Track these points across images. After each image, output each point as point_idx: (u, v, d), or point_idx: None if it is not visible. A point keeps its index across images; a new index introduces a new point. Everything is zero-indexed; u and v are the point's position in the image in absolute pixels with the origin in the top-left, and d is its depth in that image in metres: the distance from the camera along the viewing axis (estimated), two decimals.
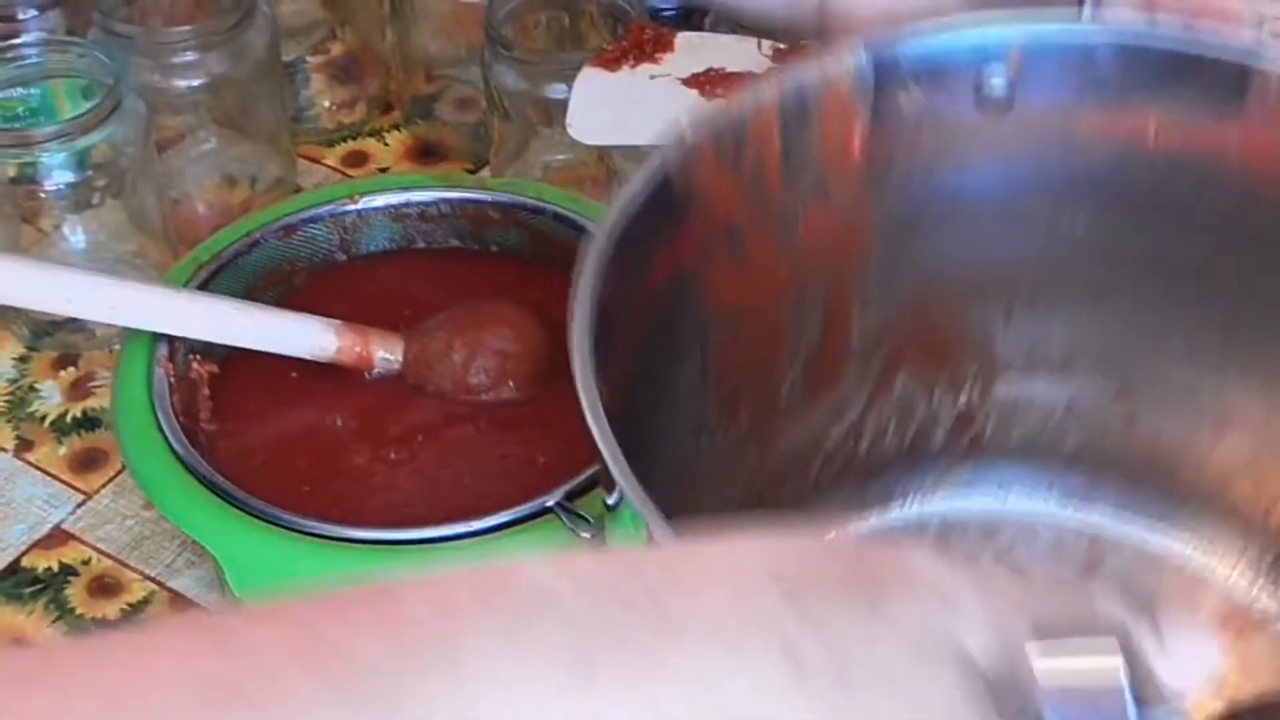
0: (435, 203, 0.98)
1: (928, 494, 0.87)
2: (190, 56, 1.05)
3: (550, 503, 0.79)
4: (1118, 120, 0.75)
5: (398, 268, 0.98)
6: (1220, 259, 0.77)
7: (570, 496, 0.79)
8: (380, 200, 0.98)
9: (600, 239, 0.67)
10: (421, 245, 0.98)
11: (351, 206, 0.97)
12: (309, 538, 0.79)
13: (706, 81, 0.97)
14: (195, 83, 1.07)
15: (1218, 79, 0.72)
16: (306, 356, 0.89)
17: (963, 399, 0.85)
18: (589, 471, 0.79)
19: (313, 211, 0.97)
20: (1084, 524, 0.85)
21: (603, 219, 0.68)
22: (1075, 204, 0.77)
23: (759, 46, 0.99)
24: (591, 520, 0.77)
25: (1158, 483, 0.84)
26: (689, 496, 0.60)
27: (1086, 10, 0.77)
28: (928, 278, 0.80)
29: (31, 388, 1.01)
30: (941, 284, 0.80)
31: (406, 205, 0.98)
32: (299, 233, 0.96)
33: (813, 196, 0.76)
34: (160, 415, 0.85)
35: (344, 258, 0.98)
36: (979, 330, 0.82)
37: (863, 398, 0.83)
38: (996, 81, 0.74)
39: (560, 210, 0.96)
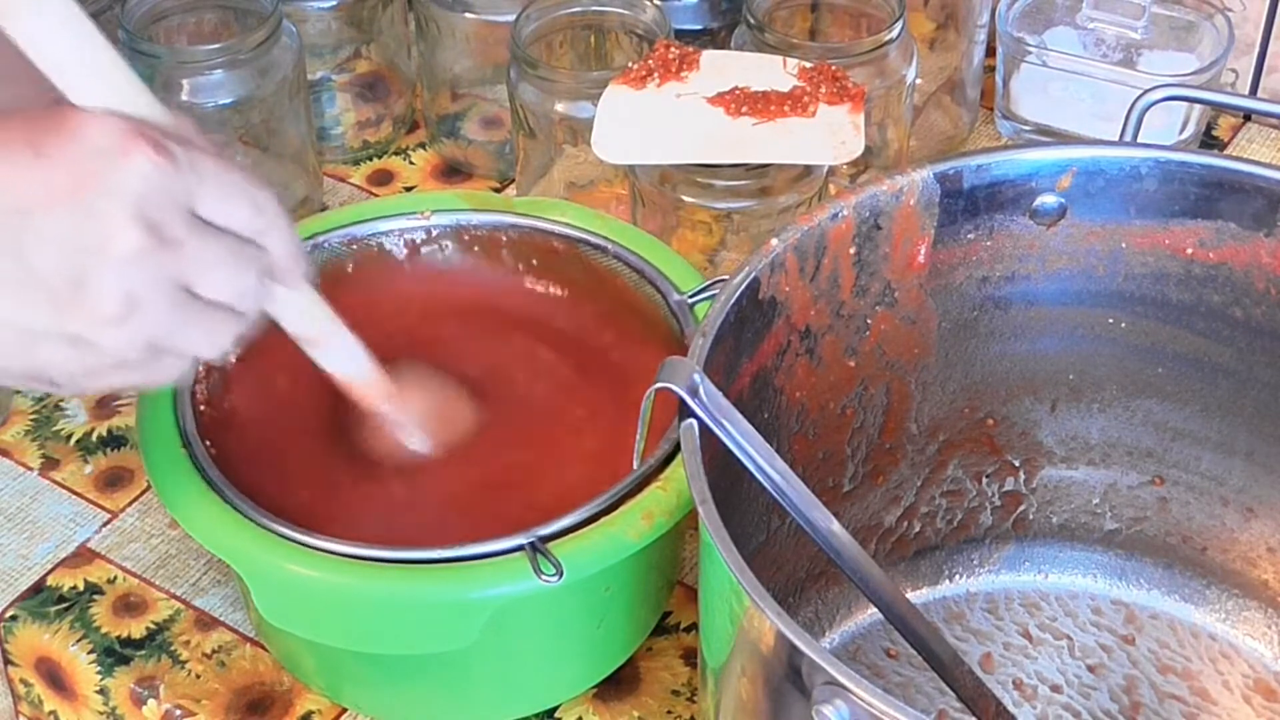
0: (504, 227, 0.96)
1: (975, 571, 0.92)
2: (217, 75, 1.07)
3: (524, 541, 0.78)
4: (1159, 235, 0.81)
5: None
6: (1251, 359, 0.83)
7: (544, 539, 0.78)
8: (449, 219, 0.95)
9: (701, 343, 0.72)
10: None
11: (422, 222, 0.96)
12: (334, 556, 0.78)
13: (732, 100, 0.99)
14: (222, 101, 1.07)
15: (1251, 201, 0.79)
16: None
17: (1009, 484, 0.90)
18: (568, 519, 0.79)
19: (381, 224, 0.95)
20: (1121, 599, 0.91)
21: (703, 323, 0.73)
22: (1118, 309, 0.83)
23: (784, 65, 1.01)
24: (556, 565, 0.77)
25: (1189, 562, 0.90)
26: (759, 576, 0.63)
27: (1129, 134, 0.84)
28: (980, 375, 0.86)
29: (57, 406, 1.03)
30: (993, 380, 0.86)
31: (474, 227, 0.96)
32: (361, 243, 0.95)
33: (881, 302, 0.82)
34: (185, 433, 0.84)
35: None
36: (1025, 422, 0.88)
37: (917, 483, 0.89)
38: (1049, 200, 0.81)
39: (621, 249, 0.93)
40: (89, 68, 0.70)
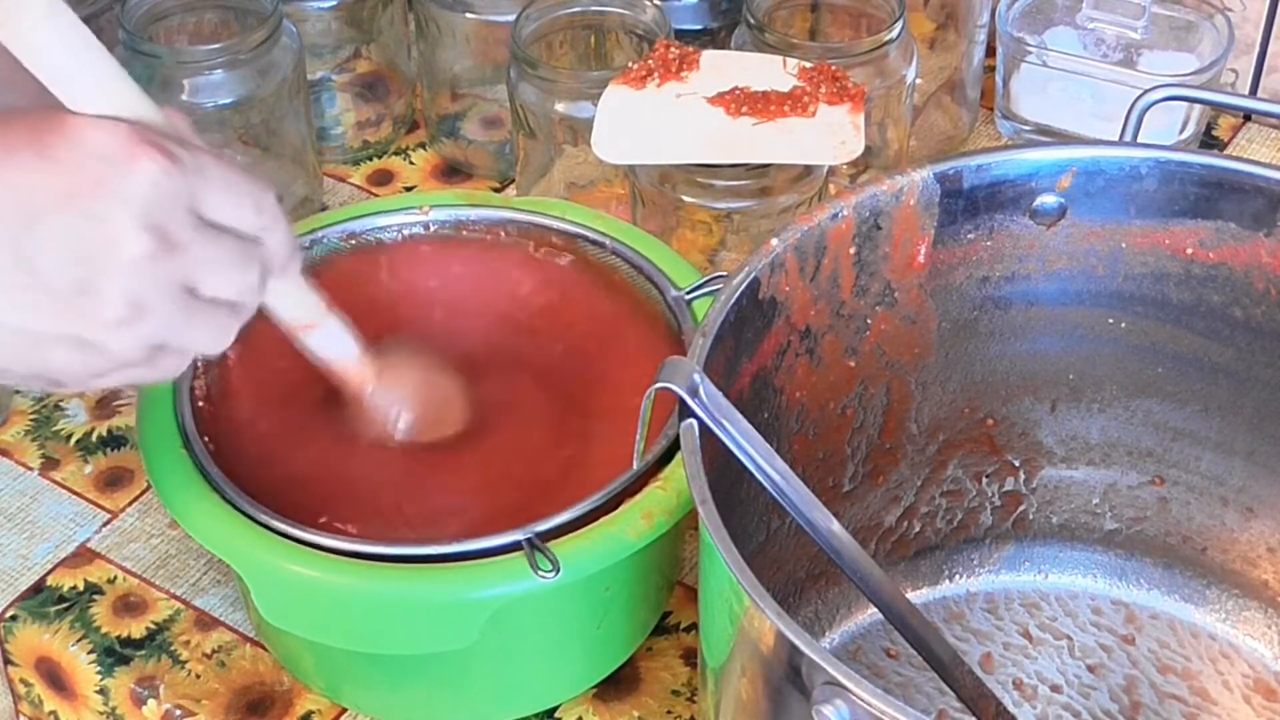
0: (501, 222, 0.96)
1: (975, 571, 0.92)
2: (217, 75, 1.06)
3: (521, 537, 0.78)
4: (1159, 235, 0.81)
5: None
6: (1251, 359, 0.83)
7: (542, 535, 0.78)
8: (448, 214, 0.96)
9: (701, 343, 0.72)
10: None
11: (420, 217, 0.96)
12: (334, 556, 0.78)
13: (732, 100, 0.99)
14: (222, 101, 1.07)
15: (1251, 201, 0.79)
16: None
17: (1008, 484, 0.90)
18: (565, 515, 0.79)
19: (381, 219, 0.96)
20: (1121, 599, 0.91)
21: (703, 323, 0.73)
22: (1118, 309, 0.83)
23: (784, 65, 1.01)
24: (553, 561, 0.76)
25: (1189, 562, 0.90)
26: (760, 576, 0.63)
27: (1129, 134, 0.84)
28: (980, 374, 0.86)
29: (57, 406, 1.03)
30: (993, 380, 0.86)
31: (472, 222, 0.96)
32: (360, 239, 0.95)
33: (881, 302, 0.82)
34: (186, 434, 0.84)
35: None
36: (1025, 422, 0.88)
37: (917, 483, 0.89)
38: (1049, 200, 0.81)
39: (619, 245, 0.93)
40: (85, 73, 0.70)
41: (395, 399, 0.86)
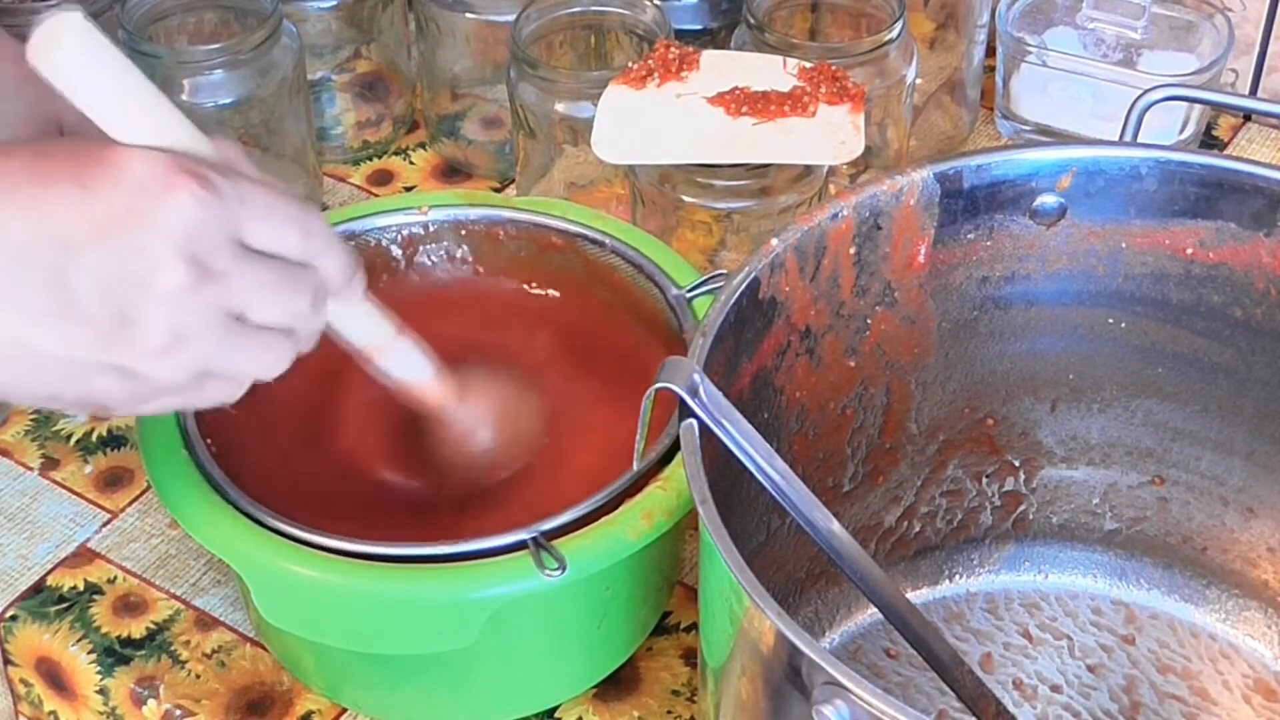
0: (501, 222, 0.96)
1: (975, 571, 0.92)
2: (217, 75, 1.07)
3: (526, 537, 0.78)
4: (1159, 235, 0.81)
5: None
6: (1251, 359, 0.83)
7: (547, 535, 0.78)
8: (447, 214, 0.96)
9: (701, 343, 0.72)
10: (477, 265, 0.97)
11: (419, 218, 0.96)
12: (334, 556, 0.78)
13: (732, 100, 0.99)
14: (222, 101, 1.07)
15: (1251, 201, 0.79)
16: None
17: (1009, 484, 0.90)
18: (565, 515, 0.79)
19: (380, 220, 0.95)
20: (1121, 599, 0.91)
21: (703, 323, 0.73)
22: (1118, 309, 0.83)
23: (784, 65, 1.01)
24: (559, 559, 0.77)
25: (1189, 562, 0.90)
26: (760, 576, 0.63)
27: (1129, 134, 0.84)
28: (980, 375, 0.86)
29: None
30: (993, 380, 0.86)
31: (473, 222, 0.96)
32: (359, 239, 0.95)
33: (881, 302, 0.82)
34: (186, 433, 0.84)
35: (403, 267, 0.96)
36: (1026, 422, 0.88)
37: (917, 483, 0.89)
38: (1049, 200, 0.81)
39: (619, 244, 0.93)
40: (127, 103, 0.70)
41: (477, 419, 0.86)
